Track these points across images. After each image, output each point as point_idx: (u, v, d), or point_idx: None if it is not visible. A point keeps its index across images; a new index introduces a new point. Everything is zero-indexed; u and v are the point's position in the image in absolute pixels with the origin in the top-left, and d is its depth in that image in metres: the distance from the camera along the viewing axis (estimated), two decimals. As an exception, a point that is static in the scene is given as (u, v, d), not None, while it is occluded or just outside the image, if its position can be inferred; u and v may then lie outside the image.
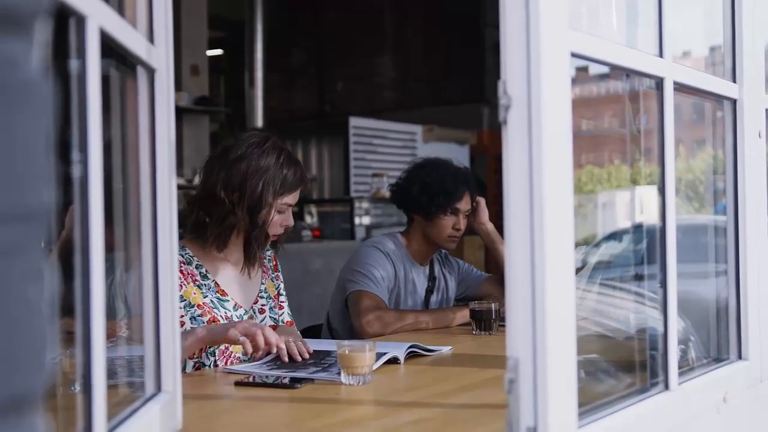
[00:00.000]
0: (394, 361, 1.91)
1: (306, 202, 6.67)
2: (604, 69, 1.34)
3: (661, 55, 1.34)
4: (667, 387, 1.34)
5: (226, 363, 2.03)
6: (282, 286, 2.29)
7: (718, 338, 1.68)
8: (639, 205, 1.63)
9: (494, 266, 2.97)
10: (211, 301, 2.05)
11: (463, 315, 2.56)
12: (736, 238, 1.63)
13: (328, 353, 1.97)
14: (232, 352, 2.04)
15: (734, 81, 1.63)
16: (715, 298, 1.72)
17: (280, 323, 2.23)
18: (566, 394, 1.05)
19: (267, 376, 1.76)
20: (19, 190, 0.55)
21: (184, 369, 1.95)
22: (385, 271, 2.63)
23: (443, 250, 2.86)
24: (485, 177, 7.01)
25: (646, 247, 1.55)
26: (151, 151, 1.19)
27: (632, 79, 1.49)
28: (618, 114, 1.69)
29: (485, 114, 7.91)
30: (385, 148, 7.28)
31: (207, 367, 2.01)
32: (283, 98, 9.19)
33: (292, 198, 2.10)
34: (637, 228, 1.65)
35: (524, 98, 1.01)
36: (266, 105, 7.51)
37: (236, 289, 2.13)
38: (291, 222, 2.12)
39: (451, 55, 8.33)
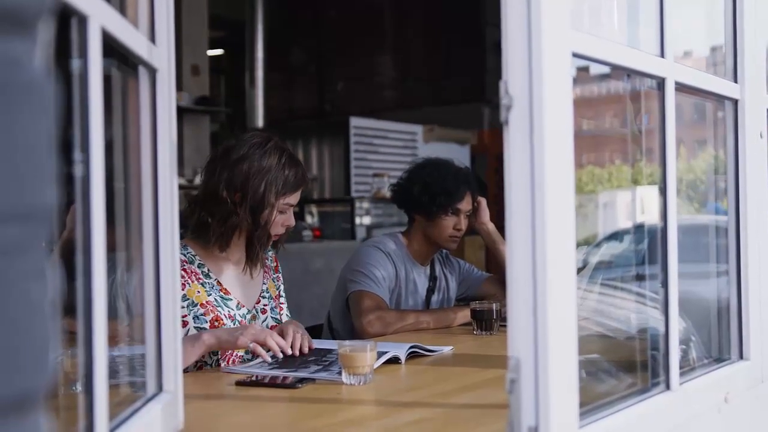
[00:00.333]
0: (395, 360, 1.91)
1: (306, 202, 6.67)
2: (605, 69, 1.34)
3: (662, 55, 1.34)
4: (668, 387, 1.34)
5: (228, 362, 2.03)
6: (282, 287, 2.30)
7: (719, 338, 1.68)
8: (640, 205, 1.63)
9: (495, 266, 2.97)
10: (215, 299, 2.06)
11: (464, 315, 2.56)
12: (737, 238, 1.63)
13: (328, 351, 1.97)
14: (234, 351, 2.04)
15: (735, 81, 1.63)
16: (716, 298, 1.72)
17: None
18: (567, 394, 1.05)
19: (268, 376, 1.77)
20: (21, 189, 0.55)
21: (186, 368, 1.96)
22: (386, 270, 2.63)
23: (444, 250, 2.86)
24: (486, 177, 7.01)
25: (647, 247, 1.55)
26: (153, 151, 1.19)
27: (633, 79, 1.49)
28: (619, 114, 1.69)
29: (486, 114, 7.91)
30: (386, 148, 7.27)
31: (209, 366, 2.01)
32: (283, 98, 9.20)
33: (293, 198, 2.11)
34: (638, 228, 1.65)
35: (525, 98, 1.01)
36: (267, 105, 7.51)
37: (239, 289, 2.13)
38: (292, 222, 2.14)
39: (452, 55, 8.33)
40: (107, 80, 1.00)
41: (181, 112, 6.53)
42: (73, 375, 1.28)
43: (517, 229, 1.02)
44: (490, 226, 2.83)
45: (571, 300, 1.06)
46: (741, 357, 1.63)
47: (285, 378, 1.74)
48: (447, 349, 2.12)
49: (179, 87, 6.33)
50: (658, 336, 1.38)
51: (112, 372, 0.94)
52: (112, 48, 0.98)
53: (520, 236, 1.02)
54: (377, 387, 1.69)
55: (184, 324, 1.99)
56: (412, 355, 1.99)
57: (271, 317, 2.19)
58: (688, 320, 1.55)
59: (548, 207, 1.01)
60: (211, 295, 2.06)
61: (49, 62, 0.59)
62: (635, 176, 1.66)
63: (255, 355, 1.93)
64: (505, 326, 2.25)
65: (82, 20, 0.85)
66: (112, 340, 1.00)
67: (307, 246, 5.65)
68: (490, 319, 2.40)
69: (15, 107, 0.54)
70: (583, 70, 1.26)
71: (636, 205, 1.67)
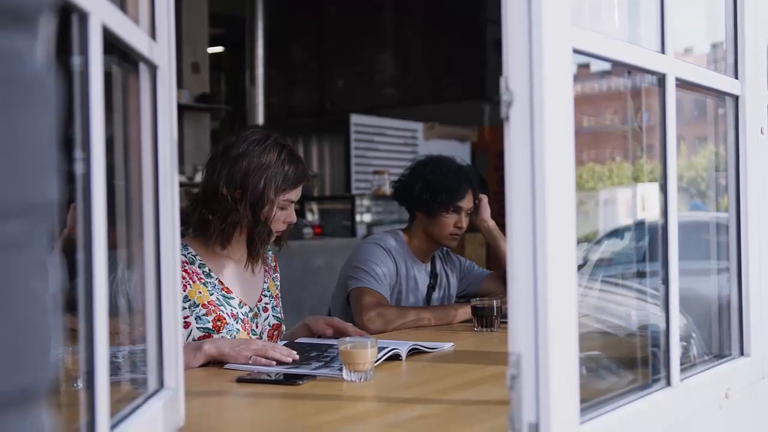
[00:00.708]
0: (395, 357, 1.91)
1: (307, 199, 6.67)
2: (606, 65, 1.34)
3: (663, 51, 1.34)
4: (669, 383, 1.34)
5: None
6: (278, 287, 2.30)
7: (719, 335, 1.68)
8: (640, 202, 1.63)
9: (495, 263, 2.97)
10: (217, 298, 2.06)
11: (464, 312, 2.56)
12: (738, 234, 1.63)
13: (329, 346, 1.97)
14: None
15: (736, 77, 1.63)
16: (717, 295, 1.72)
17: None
18: (568, 390, 1.05)
19: (269, 373, 1.77)
20: (23, 184, 0.55)
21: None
22: (386, 267, 2.63)
23: (445, 247, 2.86)
24: (486, 174, 7.01)
25: (648, 244, 1.55)
26: (153, 148, 1.19)
27: (634, 76, 1.49)
28: (620, 111, 1.69)
29: (486, 111, 7.90)
30: (386, 145, 7.28)
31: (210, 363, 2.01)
32: (283, 95, 9.20)
33: (294, 194, 2.11)
34: (639, 225, 1.65)
35: (526, 94, 1.01)
36: (267, 102, 7.52)
37: (240, 287, 2.13)
38: (293, 218, 2.14)
39: (452, 52, 8.33)
40: (108, 77, 1.00)
41: (182, 109, 6.53)
42: (74, 372, 1.28)
43: (518, 226, 1.02)
44: (491, 223, 2.82)
45: (571, 297, 1.06)
46: (741, 353, 1.63)
47: (286, 375, 1.74)
48: (448, 346, 2.12)
49: (179, 84, 6.33)
50: (658, 332, 1.38)
51: (113, 369, 0.94)
52: (113, 45, 0.98)
53: (521, 233, 1.02)
54: (378, 384, 1.69)
55: (187, 325, 1.99)
56: (413, 352, 1.99)
57: (273, 315, 2.20)
58: (689, 317, 1.55)
59: (549, 204, 1.01)
60: (213, 294, 2.06)
61: (50, 58, 0.59)
62: (636, 173, 1.66)
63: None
64: (505, 323, 2.25)
65: (83, 17, 0.85)
66: (113, 337, 1.00)
67: (307, 243, 5.66)
68: (490, 316, 2.40)
69: (17, 102, 0.54)
70: (583, 67, 1.26)
71: (636, 202, 1.67)
